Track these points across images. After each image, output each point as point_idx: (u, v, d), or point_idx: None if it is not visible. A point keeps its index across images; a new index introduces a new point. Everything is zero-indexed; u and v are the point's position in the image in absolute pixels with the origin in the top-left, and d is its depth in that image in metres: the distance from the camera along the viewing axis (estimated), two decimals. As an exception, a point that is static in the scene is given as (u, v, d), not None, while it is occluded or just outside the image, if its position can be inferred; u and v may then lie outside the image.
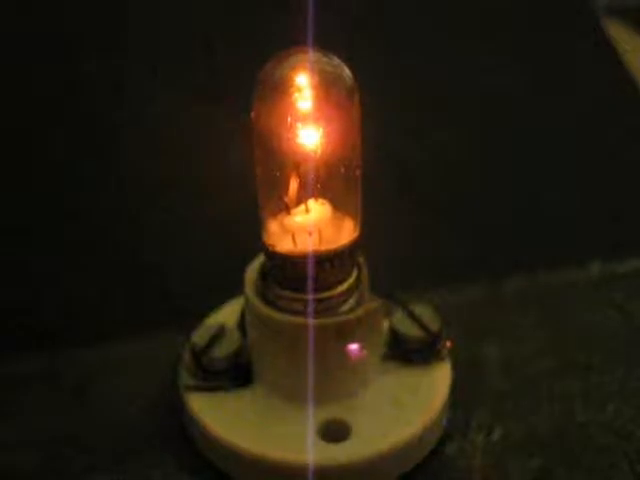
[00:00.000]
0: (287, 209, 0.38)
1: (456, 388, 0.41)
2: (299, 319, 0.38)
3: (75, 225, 0.55)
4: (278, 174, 0.37)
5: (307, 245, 0.38)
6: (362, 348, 0.39)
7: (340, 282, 0.38)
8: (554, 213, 0.57)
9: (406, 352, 0.41)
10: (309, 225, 0.38)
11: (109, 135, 0.60)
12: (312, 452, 0.37)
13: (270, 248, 0.38)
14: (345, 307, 0.39)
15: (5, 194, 0.56)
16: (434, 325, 0.42)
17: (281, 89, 0.36)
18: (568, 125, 0.64)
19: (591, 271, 0.51)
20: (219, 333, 0.41)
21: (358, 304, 0.39)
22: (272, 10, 0.64)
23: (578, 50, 0.70)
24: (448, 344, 0.42)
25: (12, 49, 0.64)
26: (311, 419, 0.39)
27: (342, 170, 0.37)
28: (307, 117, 0.36)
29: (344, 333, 0.38)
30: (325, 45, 0.36)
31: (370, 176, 0.39)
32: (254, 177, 0.38)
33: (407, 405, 0.40)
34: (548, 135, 0.63)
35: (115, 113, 0.62)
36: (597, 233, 0.55)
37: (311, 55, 0.36)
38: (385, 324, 0.42)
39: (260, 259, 0.40)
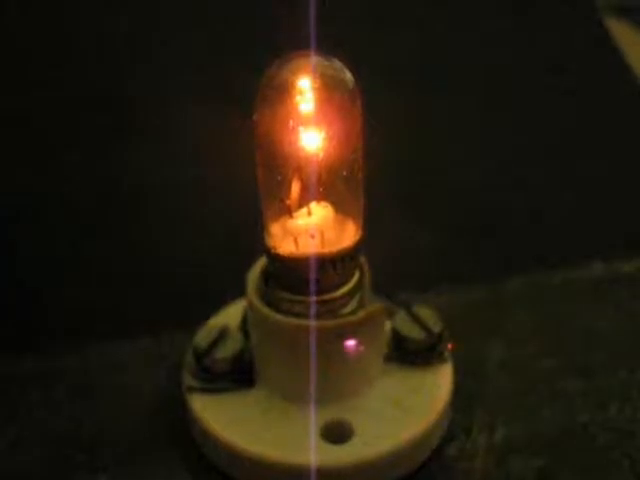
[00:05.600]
0: (289, 212, 0.38)
1: (458, 389, 0.41)
2: (301, 321, 0.38)
3: (76, 225, 0.55)
4: (280, 177, 0.37)
5: (309, 248, 0.38)
6: (359, 344, 0.39)
7: (342, 284, 0.38)
8: (555, 212, 0.57)
9: (408, 353, 0.41)
10: (311, 228, 0.38)
11: (111, 136, 0.60)
12: (314, 453, 0.37)
13: (272, 251, 0.38)
14: (347, 309, 0.39)
15: (6, 193, 0.56)
16: (436, 326, 0.42)
17: (283, 93, 0.36)
18: (569, 124, 0.64)
19: (593, 271, 0.51)
20: (221, 335, 0.41)
21: (360, 306, 0.39)
22: (274, 13, 0.64)
23: (580, 49, 0.70)
24: (450, 345, 0.42)
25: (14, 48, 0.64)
26: (313, 420, 0.39)
27: (344, 173, 0.37)
28: (309, 120, 0.36)
29: (346, 335, 0.38)
30: (327, 49, 0.36)
31: (371, 178, 0.39)
32: (256, 180, 0.38)
33: (409, 406, 0.40)
34: (548, 135, 0.63)
35: (116, 115, 0.62)
36: (599, 232, 0.55)
37: (313, 59, 0.36)
38: (387, 325, 0.42)
39: (262, 261, 0.40)
